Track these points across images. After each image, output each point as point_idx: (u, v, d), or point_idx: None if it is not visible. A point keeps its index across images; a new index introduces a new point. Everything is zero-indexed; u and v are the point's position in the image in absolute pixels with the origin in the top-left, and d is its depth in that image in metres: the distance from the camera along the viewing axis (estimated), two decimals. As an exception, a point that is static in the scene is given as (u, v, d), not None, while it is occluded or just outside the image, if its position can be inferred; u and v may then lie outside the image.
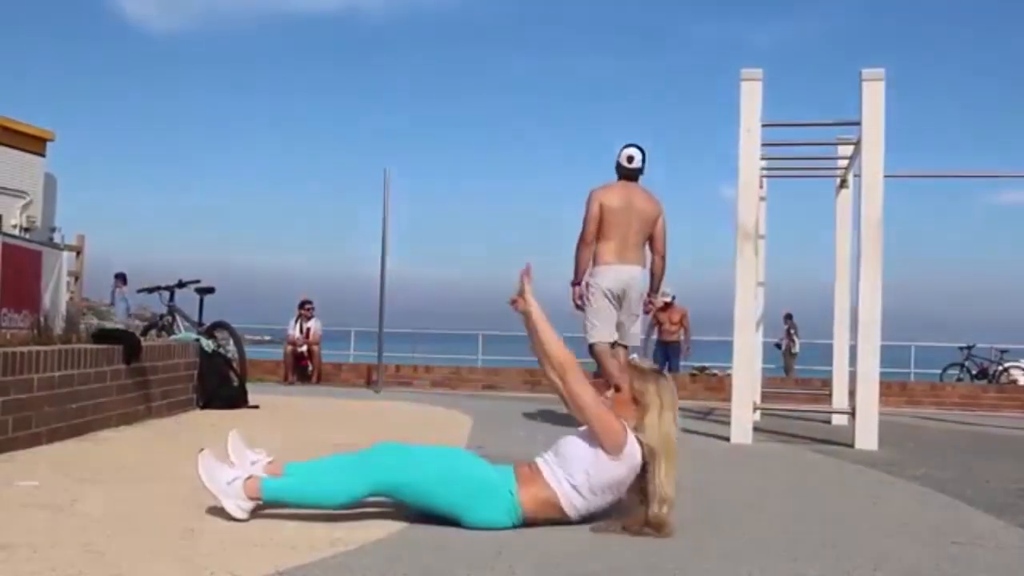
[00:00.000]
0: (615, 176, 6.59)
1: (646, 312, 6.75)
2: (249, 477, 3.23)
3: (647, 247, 6.52)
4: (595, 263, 6.41)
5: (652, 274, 6.60)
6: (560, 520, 3.21)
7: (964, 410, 10.82)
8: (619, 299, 6.38)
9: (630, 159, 6.46)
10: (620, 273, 6.36)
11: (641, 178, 6.58)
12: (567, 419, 7.53)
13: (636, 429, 3.23)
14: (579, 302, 6.45)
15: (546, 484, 3.21)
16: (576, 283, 6.47)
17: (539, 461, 3.28)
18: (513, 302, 3.40)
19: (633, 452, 3.18)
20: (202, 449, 3.23)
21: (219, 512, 3.27)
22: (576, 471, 3.19)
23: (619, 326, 6.45)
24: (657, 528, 3.13)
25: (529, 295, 3.36)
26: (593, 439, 3.20)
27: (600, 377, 6.53)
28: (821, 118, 7.20)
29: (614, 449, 3.16)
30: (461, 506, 3.15)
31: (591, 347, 6.39)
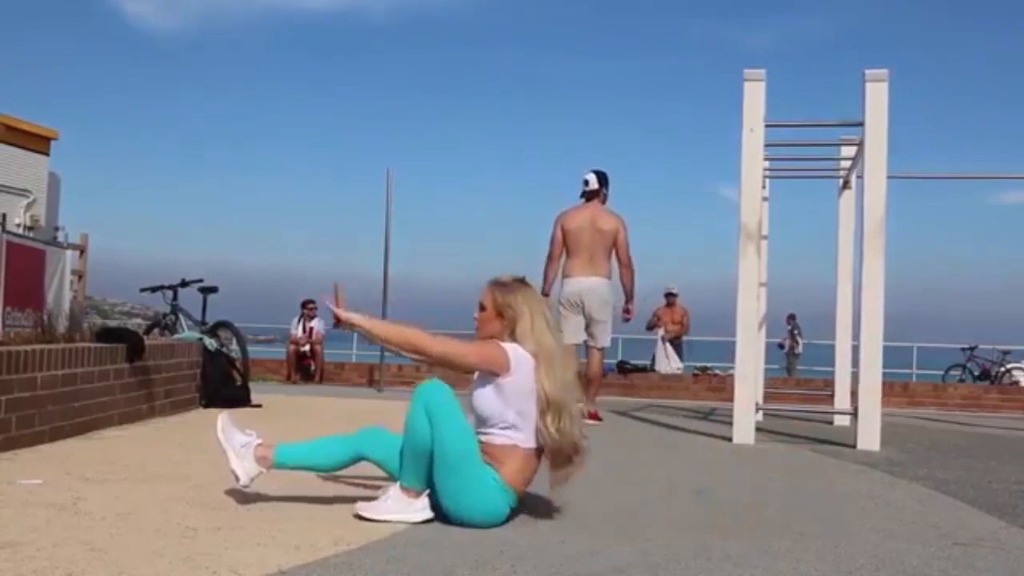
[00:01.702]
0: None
1: (624, 320, 7.44)
2: (261, 444, 3.35)
3: (614, 259, 7.22)
4: (562, 276, 7.19)
5: (623, 284, 7.29)
6: (538, 462, 3.29)
7: (966, 411, 10.82)
8: (579, 307, 7.11)
9: (586, 183, 7.28)
10: (578, 284, 7.09)
11: (607, 194, 7.32)
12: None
13: (520, 341, 3.26)
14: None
15: (502, 449, 3.24)
16: (544, 293, 6.96)
17: (481, 439, 3.28)
18: (336, 324, 3.36)
19: (519, 355, 3.23)
20: (223, 411, 3.40)
21: (221, 510, 3.28)
22: (502, 415, 3.23)
23: (588, 331, 7.15)
24: (559, 447, 3.19)
25: (344, 313, 3.30)
26: (484, 378, 3.25)
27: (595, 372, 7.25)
28: (821, 118, 7.19)
29: (502, 369, 3.21)
30: (456, 494, 3.16)
31: None
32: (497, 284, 3.40)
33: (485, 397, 3.28)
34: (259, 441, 3.39)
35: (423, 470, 3.19)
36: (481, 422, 3.31)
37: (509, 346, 3.27)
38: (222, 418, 3.43)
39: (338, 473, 3.66)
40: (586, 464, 3.34)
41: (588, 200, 7.31)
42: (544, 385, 3.22)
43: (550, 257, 7.23)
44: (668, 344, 13.58)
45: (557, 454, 3.27)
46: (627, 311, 7.38)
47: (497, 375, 3.24)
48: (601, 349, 7.31)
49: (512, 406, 3.24)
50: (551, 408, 3.22)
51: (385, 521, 3.13)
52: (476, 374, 3.35)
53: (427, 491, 3.24)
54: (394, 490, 3.22)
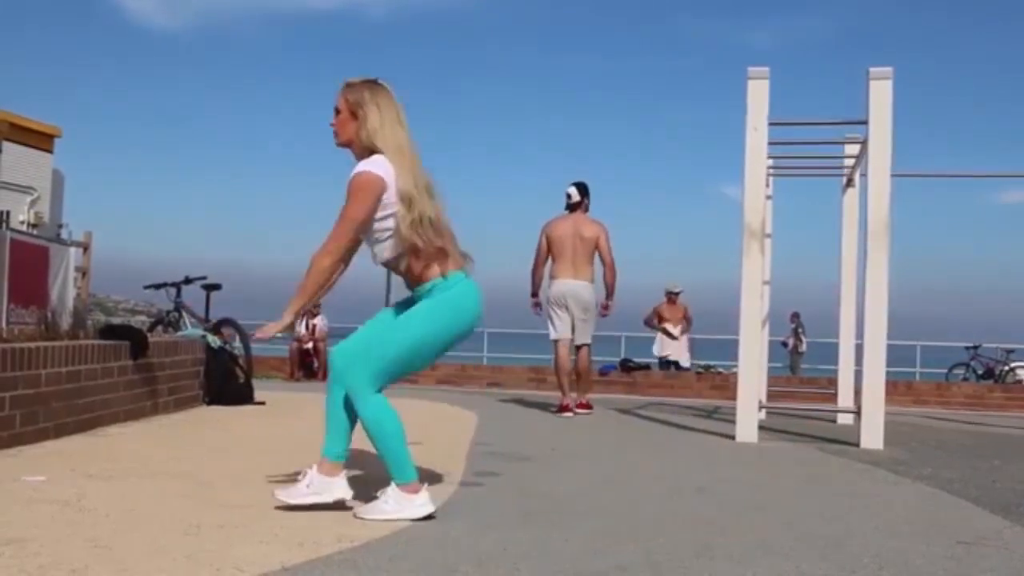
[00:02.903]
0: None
1: (602, 315, 8.01)
2: (319, 464, 3.30)
3: (597, 261, 7.86)
4: (550, 278, 7.87)
5: (606, 283, 7.90)
6: (444, 246, 3.30)
7: (970, 410, 10.80)
8: (564, 306, 7.77)
9: (568, 196, 7.95)
10: (561, 286, 7.74)
11: (589, 204, 7.97)
12: (570, 419, 7.57)
13: (367, 140, 3.25)
14: (534, 311, 8.13)
15: (405, 259, 3.25)
16: (532, 294, 8.04)
17: (386, 265, 3.31)
18: (284, 331, 3.36)
19: (382, 165, 3.22)
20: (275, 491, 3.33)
21: (225, 507, 3.28)
22: (383, 222, 3.24)
23: (574, 328, 7.79)
24: (407, 241, 3.20)
25: (275, 325, 3.29)
26: (377, 205, 3.23)
27: (561, 366, 7.87)
28: (821, 117, 7.19)
29: (381, 187, 3.20)
30: (434, 345, 3.29)
31: (553, 342, 7.91)
32: (347, 85, 3.35)
33: (374, 222, 3.26)
34: (314, 468, 3.30)
35: (403, 453, 3.23)
36: (373, 244, 3.30)
37: (368, 162, 3.23)
38: (279, 493, 3.30)
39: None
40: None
41: (571, 211, 7.95)
42: (396, 179, 3.22)
43: (535, 263, 7.97)
44: (680, 336, 13.54)
45: (422, 251, 3.25)
46: (605, 307, 7.98)
47: (384, 193, 3.22)
48: (586, 346, 7.93)
49: (392, 214, 3.24)
50: (403, 201, 3.21)
51: (386, 521, 3.13)
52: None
53: (425, 484, 3.24)
54: (391, 489, 3.22)
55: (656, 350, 13.58)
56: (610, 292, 7.91)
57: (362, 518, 3.17)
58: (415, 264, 3.28)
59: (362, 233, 3.31)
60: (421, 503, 3.19)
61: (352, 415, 3.34)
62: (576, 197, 7.91)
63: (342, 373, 3.31)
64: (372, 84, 3.34)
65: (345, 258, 3.37)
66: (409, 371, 3.40)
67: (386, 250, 3.29)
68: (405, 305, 3.37)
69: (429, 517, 3.18)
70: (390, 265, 3.33)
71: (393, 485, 3.21)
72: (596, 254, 7.83)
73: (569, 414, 7.60)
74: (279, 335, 3.38)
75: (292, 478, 3.44)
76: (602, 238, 7.79)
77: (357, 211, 3.23)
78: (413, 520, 3.14)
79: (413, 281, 3.32)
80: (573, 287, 7.73)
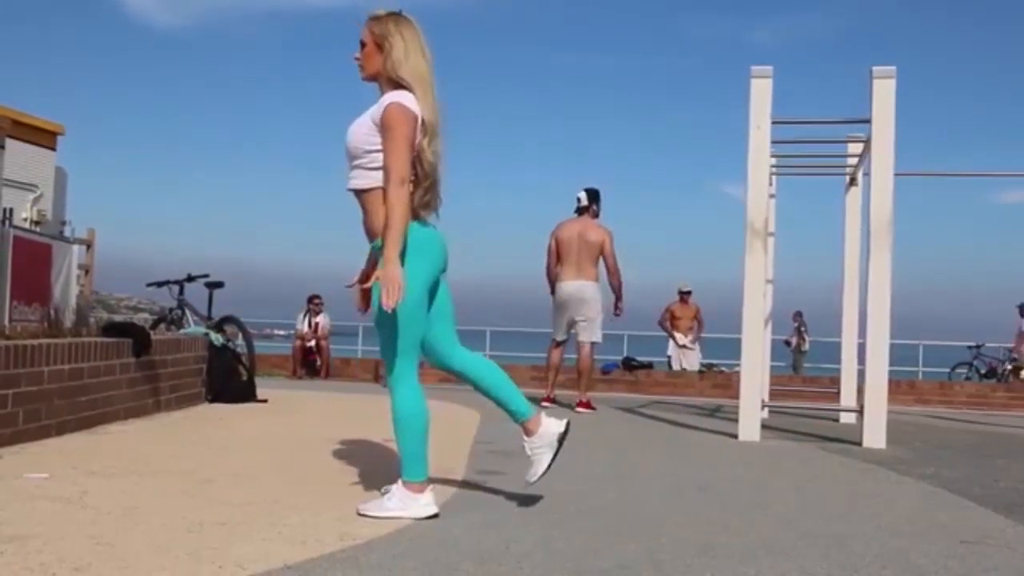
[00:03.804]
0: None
1: (615, 315, 8.28)
2: (402, 484, 3.22)
3: (602, 265, 8.16)
4: (557, 279, 8.17)
5: (612, 287, 8.20)
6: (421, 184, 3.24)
7: (973, 409, 10.79)
8: (564, 308, 8.09)
9: (578, 200, 8.26)
10: (566, 287, 8.07)
11: (598, 209, 8.28)
12: (573, 418, 7.57)
13: (391, 70, 3.22)
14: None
15: (382, 193, 3.18)
16: (552, 292, 8.30)
17: (361, 181, 3.25)
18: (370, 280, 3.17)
19: (411, 100, 3.19)
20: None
21: (227, 505, 3.28)
22: (377, 144, 3.19)
23: (577, 326, 8.08)
24: (432, 169, 3.19)
25: (391, 282, 3.06)
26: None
27: (552, 363, 8.28)
28: (822, 116, 7.18)
29: (414, 112, 3.18)
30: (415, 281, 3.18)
31: (552, 340, 8.30)
32: (372, 18, 3.32)
33: (375, 139, 3.20)
34: (394, 487, 3.24)
35: (421, 450, 3.21)
36: (357, 167, 3.26)
37: (397, 95, 3.20)
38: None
39: (341, 469, 3.66)
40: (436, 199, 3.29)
41: (580, 214, 8.25)
42: (422, 109, 3.19)
43: (547, 265, 8.28)
44: (693, 346, 13.60)
45: (428, 181, 3.23)
46: (617, 309, 8.27)
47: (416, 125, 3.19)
48: (591, 344, 8.14)
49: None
50: (427, 131, 3.19)
51: (389, 518, 3.13)
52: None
53: (431, 485, 3.23)
54: (396, 487, 3.21)
55: (674, 364, 13.57)
56: (618, 295, 8.19)
57: (365, 515, 3.16)
58: (383, 204, 3.16)
59: (354, 150, 3.25)
60: (426, 503, 3.19)
61: (496, 376, 3.42)
62: (584, 201, 8.23)
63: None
64: (397, 16, 3.30)
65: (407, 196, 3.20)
66: (418, 334, 3.25)
67: (368, 178, 3.21)
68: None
69: (433, 517, 3.17)
70: (361, 196, 3.24)
71: (400, 483, 3.21)
72: (600, 258, 8.09)
73: (548, 404, 7.92)
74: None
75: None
76: (606, 242, 8.06)
77: (407, 133, 3.16)
78: (416, 519, 3.14)
79: (372, 226, 3.22)
80: (576, 287, 8.01)
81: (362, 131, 3.24)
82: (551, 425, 3.41)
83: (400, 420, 3.22)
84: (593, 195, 8.28)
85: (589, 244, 8.04)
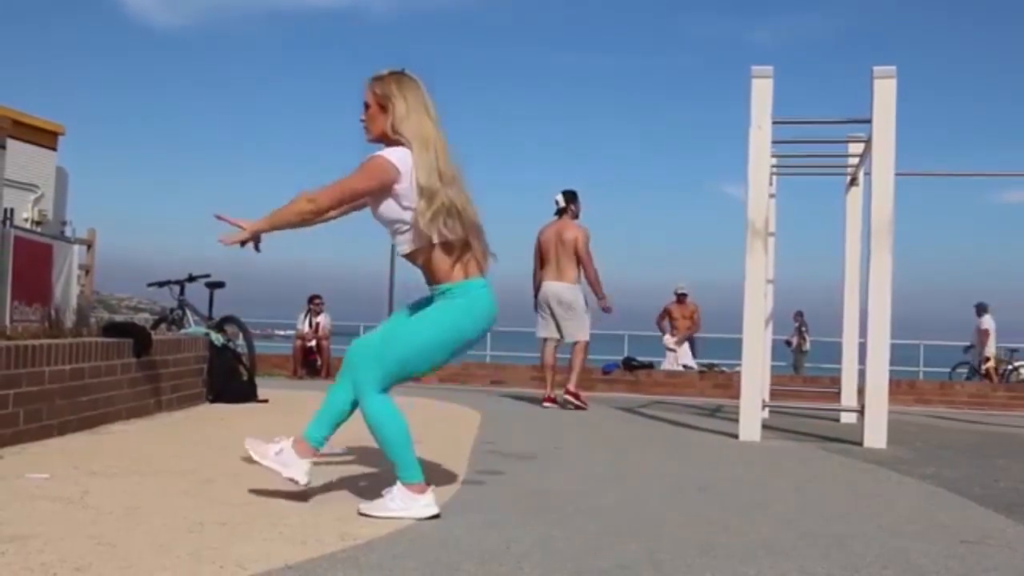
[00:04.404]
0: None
1: (605, 311, 8.39)
2: (294, 441, 3.34)
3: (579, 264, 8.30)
4: (541, 281, 8.33)
5: (588, 281, 8.28)
6: (469, 244, 3.28)
7: (973, 409, 10.79)
8: (547, 306, 8.27)
9: (556, 203, 8.45)
10: (547, 288, 8.26)
11: (576, 209, 8.44)
12: (573, 417, 7.58)
13: (392, 131, 3.23)
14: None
15: (422, 252, 3.24)
16: (535, 297, 8.46)
17: (399, 245, 3.29)
18: (243, 243, 3.27)
19: (403, 157, 3.19)
20: (247, 439, 3.39)
21: (228, 505, 3.29)
22: (402, 215, 3.21)
23: (563, 328, 8.24)
24: (427, 233, 3.17)
25: (240, 233, 3.22)
26: (381, 190, 3.21)
27: (545, 362, 8.42)
28: (822, 116, 7.18)
29: (394, 175, 3.18)
30: (442, 351, 3.27)
31: (539, 340, 8.47)
32: (375, 78, 3.32)
33: (387, 207, 3.24)
34: (290, 440, 3.35)
35: (408, 454, 3.22)
36: (390, 231, 3.29)
37: (390, 151, 3.22)
38: (248, 443, 3.38)
39: (342, 469, 3.67)
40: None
41: (559, 216, 8.42)
42: (418, 172, 3.18)
43: (534, 270, 8.45)
44: (676, 348, 13.60)
45: (442, 247, 3.22)
46: (602, 304, 8.33)
47: (392, 183, 3.19)
48: (579, 343, 8.29)
49: (410, 208, 3.20)
50: (423, 195, 3.18)
51: (390, 519, 3.14)
52: (375, 195, 3.28)
53: (431, 486, 3.24)
54: (397, 487, 3.22)
55: (665, 365, 13.59)
56: (596, 288, 8.28)
57: (366, 514, 3.17)
58: (434, 262, 3.24)
59: (380, 221, 3.29)
60: (426, 503, 3.19)
61: (348, 411, 3.38)
62: (562, 203, 8.43)
63: (354, 367, 3.31)
64: (399, 76, 3.30)
65: (322, 216, 3.30)
66: (416, 372, 3.37)
67: (405, 243, 3.27)
68: (421, 305, 3.35)
69: (434, 518, 3.18)
70: (410, 259, 3.31)
71: (399, 484, 3.21)
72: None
73: (550, 404, 8.07)
74: (238, 245, 3.29)
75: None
76: (579, 239, 8.21)
77: (354, 182, 3.22)
78: (418, 520, 3.14)
79: (431, 279, 3.29)
80: (555, 288, 8.21)
81: (390, 208, 3.25)
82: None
83: (375, 430, 3.24)
84: (570, 196, 8.46)
85: (566, 244, 8.22)
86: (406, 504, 3.17)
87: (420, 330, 3.27)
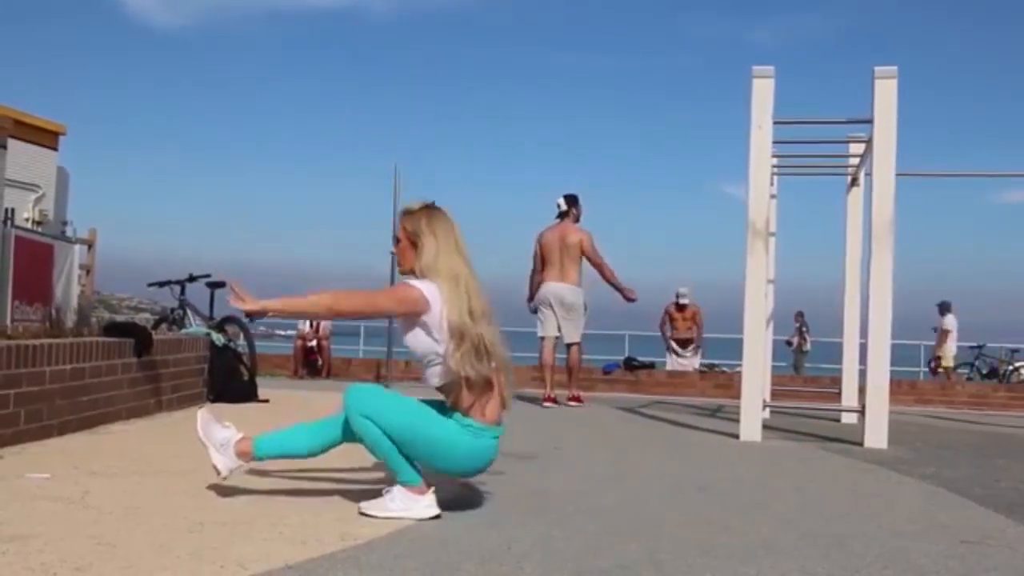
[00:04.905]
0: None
1: (631, 300, 8.60)
2: (242, 438, 3.38)
3: (588, 268, 8.49)
4: (542, 281, 8.50)
5: (608, 280, 8.51)
6: (493, 385, 3.29)
7: (974, 409, 10.78)
8: (549, 307, 8.42)
9: (558, 206, 8.64)
10: (549, 288, 8.40)
11: (578, 213, 8.61)
12: (574, 417, 7.58)
13: (422, 270, 3.26)
14: (532, 313, 8.72)
15: (448, 386, 3.26)
16: (528, 299, 8.69)
17: (430, 382, 3.33)
18: (250, 316, 3.41)
19: (431, 290, 3.22)
20: (202, 407, 3.47)
21: (228, 505, 3.29)
22: (435, 349, 3.23)
23: (562, 328, 8.41)
24: (466, 376, 3.18)
25: (251, 302, 3.26)
26: (410, 320, 3.24)
27: (544, 362, 8.46)
28: (826, 115, 7.18)
29: (423, 307, 3.20)
30: (433, 455, 3.24)
31: (539, 339, 8.55)
32: (405, 213, 3.38)
33: (416, 338, 3.27)
34: (240, 436, 3.41)
35: (402, 461, 3.22)
36: (422, 362, 3.32)
37: (422, 283, 3.25)
38: (201, 414, 3.46)
39: (342, 469, 3.67)
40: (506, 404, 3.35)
41: (561, 219, 8.60)
42: (445, 310, 3.21)
43: (532, 270, 8.64)
44: (677, 348, 13.59)
45: (469, 383, 3.23)
46: (629, 295, 8.54)
47: (420, 314, 3.22)
48: (575, 344, 8.47)
49: (441, 340, 3.22)
50: (453, 335, 3.20)
51: (390, 519, 3.14)
52: (401, 319, 3.33)
53: (432, 487, 3.24)
54: (398, 488, 3.22)
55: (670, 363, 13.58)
56: (616, 283, 8.49)
57: (366, 514, 3.17)
58: (462, 396, 3.26)
59: (412, 350, 3.31)
60: (427, 504, 3.20)
61: (304, 454, 3.47)
62: (564, 207, 8.61)
63: (357, 395, 3.29)
64: (429, 211, 3.35)
65: (337, 317, 3.40)
66: (398, 444, 3.23)
67: (436, 376, 3.30)
68: (443, 409, 3.33)
69: (435, 518, 3.18)
70: (442, 391, 3.34)
71: (399, 485, 3.22)
72: (582, 259, 8.43)
73: (550, 404, 8.15)
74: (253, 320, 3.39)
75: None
76: (585, 242, 8.42)
77: (381, 303, 3.33)
78: (418, 520, 3.14)
79: (453, 405, 3.29)
80: (557, 289, 8.36)
81: (420, 340, 3.27)
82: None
83: (371, 446, 3.25)
84: (571, 200, 8.63)
85: (569, 247, 8.39)
86: (407, 505, 3.18)
87: (430, 425, 3.24)
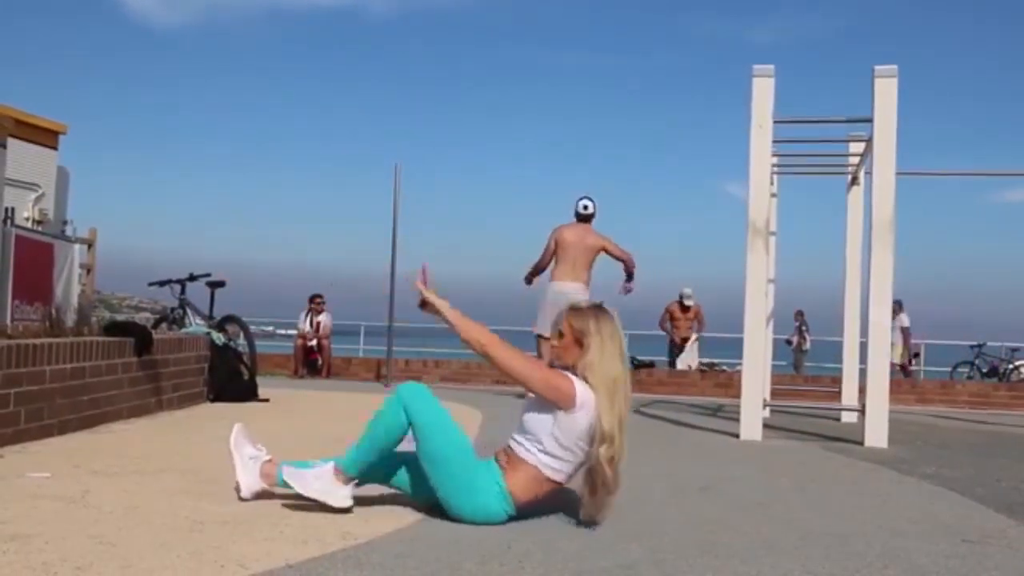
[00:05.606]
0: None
1: (625, 292, 8.70)
2: (269, 460, 3.39)
3: (602, 261, 8.65)
4: (550, 278, 8.65)
5: (626, 270, 8.66)
6: (553, 491, 3.24)
7: (974, 408, 10.79)
8: (556, 303, 8.17)
9: (585, 207, 8.77)
10: (560, 287, 8.42)
11: (595, 218, 8.78)
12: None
13: (583, 369, 3.21)
14: (525, 284, 9.00)
15: (523, 462, 3.21)
16: (526, 279, 8.96)
17: (511, 443, 3.29)
18: (421, 304, 3.35)
19: (587, 399, 3.17)
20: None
21: (229, 505, 3.28)
22: (543, 438, 3.19)
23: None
24: (604, 479, 3.13)
25: (431, 296, 3.29)
26: (546, 402, 3.20)
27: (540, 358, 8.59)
28: (825, 114, 7.18)
29: (567, 404, 3.16)
30: (450, 495, 3.18)
31: (536, 336, 8.52)
32: (574, 310, 3.34)
33: (538, 419, 3.22)
34: (268, 457, 3.41)
35: (367, 450, 3.22)
36: (520, 429, 3.28)
37: (579, 383, 3.19)
38: (236, 428, 3.47)
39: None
40: (610, 507, 3.25)
41: (586, 221, 8.75)
42: (602, 416, 3.16)
43: (540, 259, 8.79)
44: (683, 346, 13.62)
45: (594, 484, 3.20)
46: (627, 287, 8.70)
47: (558, 407, 3.17)
48: None
49: (560, 438, 3.18)
50: (604, 438, 3.15)
51: (304, 495, 3.20)
52: (537, 396, 3.28)
53: (356, 480, 3.25)
54: (330, 466, 3.24)
55: (679, 364, 13.61)
56: (630, 275, 8.70)
57: (285, 480, 3.24)
58: (521, 475, 3.20)
59: (523, 421, 3.27)
60: (344, 495, 3.22)
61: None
62: (591, 210, 8.76)
63: (404, 392, 3.27)
64: (598, 312, 3.30)
65: (483, 357, 3.28)
66: (384, 435, 3.24)
67: (523, 451, 3.23)
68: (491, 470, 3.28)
69: (346, 511, 3.19)
70: (508, 461, 3.27)
71: (332, 465, 3.24)
72: (595, 261, 8.59)
73: None
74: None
75: None
76: (608, 244, 8.60)
77: (529, 377, 3.20)
78: (331, 507, 3.17)
79: (505, 471, 3.23)
80: (570, 288, 8.37)
81: (539, 421, 3.22)
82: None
83: (377, 416, 3.25)
84: (595, 205, 8.83)
85: (588, 249, 8.53)
86: (327, 488, 3.21)
87: (462, 455, 3.22)
